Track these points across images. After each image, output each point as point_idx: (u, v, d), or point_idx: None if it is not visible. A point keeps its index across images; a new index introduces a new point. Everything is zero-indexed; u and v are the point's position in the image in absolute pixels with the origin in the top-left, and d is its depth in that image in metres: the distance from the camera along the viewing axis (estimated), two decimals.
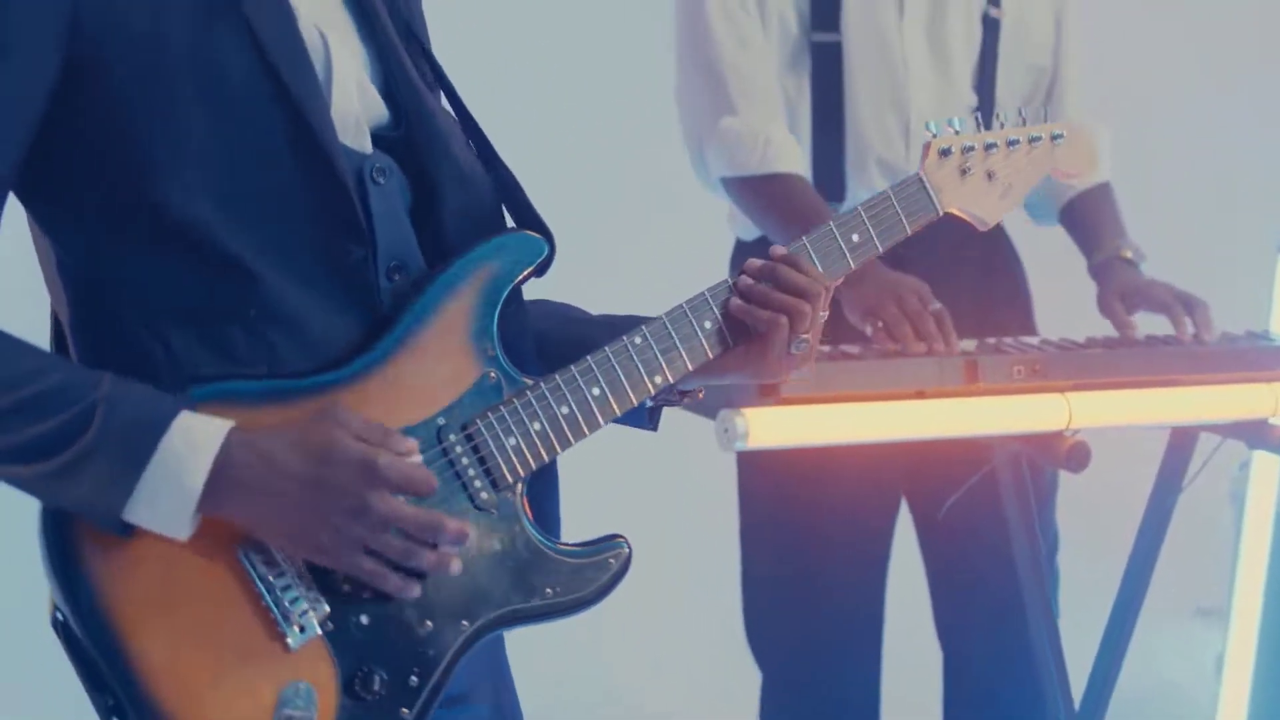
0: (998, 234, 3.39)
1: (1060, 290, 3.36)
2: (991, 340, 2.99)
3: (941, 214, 2.19)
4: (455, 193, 1.97)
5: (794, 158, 3.16)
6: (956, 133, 2.21)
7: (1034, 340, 3.03)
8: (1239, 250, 4.34)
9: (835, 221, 2.09)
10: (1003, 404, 2.84)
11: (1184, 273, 3.24)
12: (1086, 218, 3.35)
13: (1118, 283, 3.21)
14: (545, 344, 2.04)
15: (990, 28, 3.28)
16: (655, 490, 4.21)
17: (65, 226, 1.86)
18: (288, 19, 1.87)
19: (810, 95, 3.22)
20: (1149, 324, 3.17)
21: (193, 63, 1.82)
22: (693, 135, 3.26)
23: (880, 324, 2.95)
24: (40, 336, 1.89)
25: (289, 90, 1.84)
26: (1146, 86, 4.61)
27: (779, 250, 2.05)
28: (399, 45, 1.99)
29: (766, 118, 3.18)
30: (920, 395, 2.81)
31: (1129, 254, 3.25)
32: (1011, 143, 2.24)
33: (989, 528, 3.17)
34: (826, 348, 2.86)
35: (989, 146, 2.22)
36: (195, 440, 1.77)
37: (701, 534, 3.80)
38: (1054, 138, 2.27)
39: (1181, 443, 3.15)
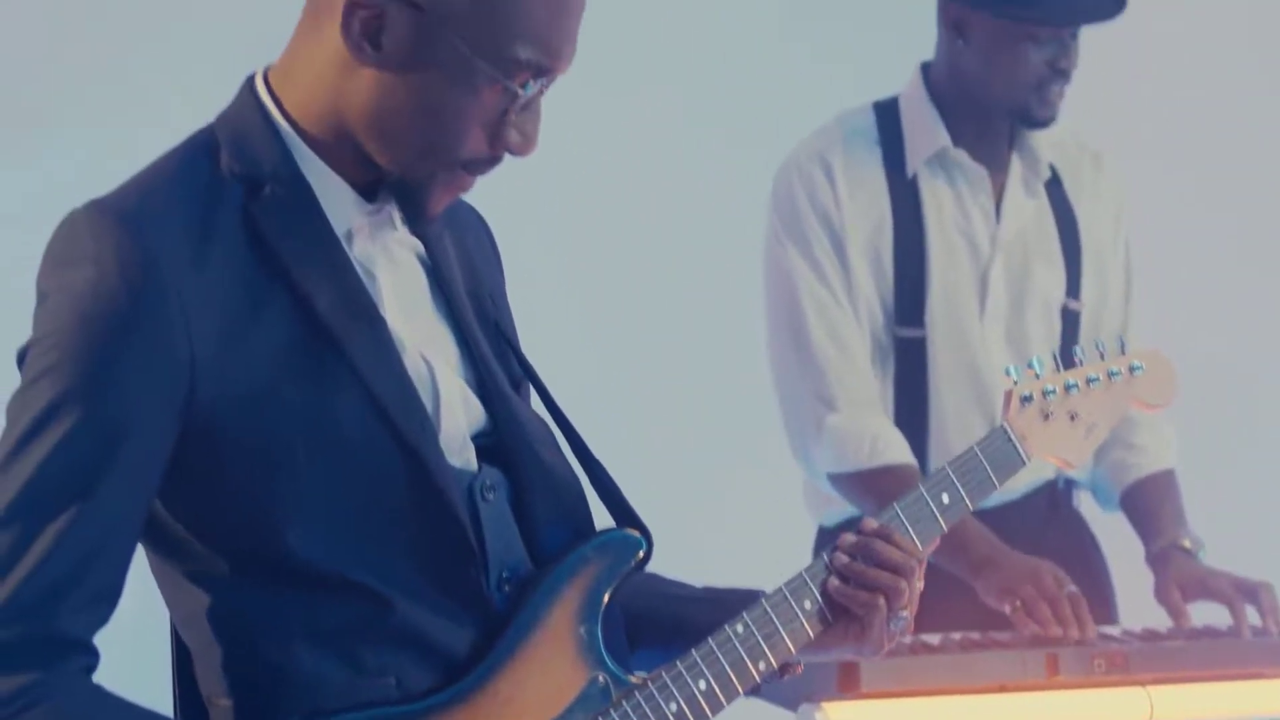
0: (1079, 523, 3.40)
1: (1144, 577, 3.34)
2: None
3: (1028, 463, 2.19)
4: (544, 494, 1.99)
5: (902, 449, 3.17)
6: (1037, 376, 2.21)
7: (1115, 630, 3.04)
8: None
9: (925, 484, 2.12)
10: (1084, 698, 2.84)
11: (1257, 551, 3.23)
12: (1147, 505, 3.31)
13: (1176, 572, 3.18)
14: (645, 626, 2.06)
15: (1070, 321, 3.31)
16: None
17: (195, 574, 1.89)
18: (393, 360, 1.90)
19: (894, 390, 3.25)
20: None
21: (305, 418, 1.85)
22: (796, 431, 3.27)
23: (1019, 604, 2.97)
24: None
25: (401, 433, 1.88)
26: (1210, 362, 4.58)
27: (870, 524, 2.06)
28: (489, 351, 2.02)
29: (870, 413, 3.20)
30: (1002, 689, 2.81)
31: (1188, 543, 3.22)
32: (1091, 380, 2.24)
33: None
34: (908, 639, 2.87)
35: (1069, 387, 2.23)
36: None
37: None
38: (1132, 370, 2.28)
39: None
